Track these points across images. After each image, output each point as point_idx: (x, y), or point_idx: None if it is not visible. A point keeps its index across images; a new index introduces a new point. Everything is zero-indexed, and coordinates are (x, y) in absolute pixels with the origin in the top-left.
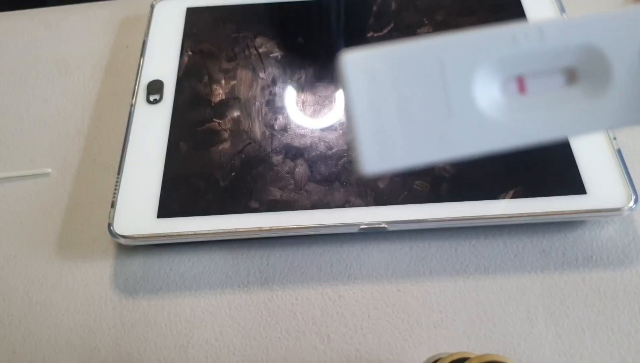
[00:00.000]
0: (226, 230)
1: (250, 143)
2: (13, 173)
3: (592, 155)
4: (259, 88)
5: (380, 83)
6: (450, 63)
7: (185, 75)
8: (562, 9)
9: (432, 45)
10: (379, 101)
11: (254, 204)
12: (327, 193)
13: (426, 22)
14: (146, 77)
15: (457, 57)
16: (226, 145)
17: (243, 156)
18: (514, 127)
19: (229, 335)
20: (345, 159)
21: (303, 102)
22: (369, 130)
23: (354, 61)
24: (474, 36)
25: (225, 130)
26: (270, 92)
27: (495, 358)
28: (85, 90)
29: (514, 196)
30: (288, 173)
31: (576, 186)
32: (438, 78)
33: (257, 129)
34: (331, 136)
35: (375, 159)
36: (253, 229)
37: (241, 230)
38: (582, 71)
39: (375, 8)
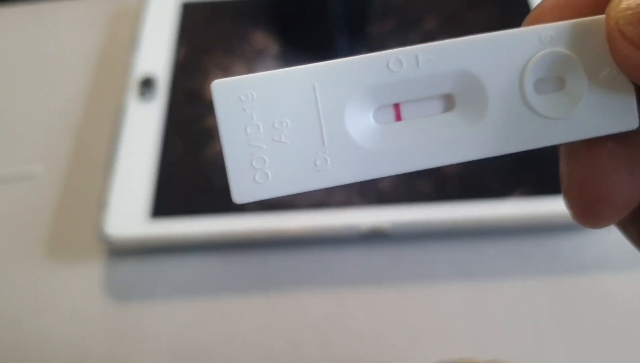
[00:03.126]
0: (222, 234)
1: None
2: (1, 171)
3: None
4: None
5: (252, 111)
6: (322, 91)
7: (179, 71)
8: None
9: (305, 71)
10: (250, 130)
11: (251, 205)
12: (327, 193)
13: (429, 16)
14: (139, 74)
15: (330, 84)
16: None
17: None
18: (389, 155)
19: (225, 343)
20: None
21: None
22: (239, 159)
23: (225, 87)
24: (347, 63)
25: None
26: None
27: None
28: (76, 86)
29: (521, 196)
30: None
31: None
32: (311, 106)
33: None
34: None
35: (246, 189)
36: (250, 233)
37: (238, 234)
38: (459, 97)
39: (376, 2)
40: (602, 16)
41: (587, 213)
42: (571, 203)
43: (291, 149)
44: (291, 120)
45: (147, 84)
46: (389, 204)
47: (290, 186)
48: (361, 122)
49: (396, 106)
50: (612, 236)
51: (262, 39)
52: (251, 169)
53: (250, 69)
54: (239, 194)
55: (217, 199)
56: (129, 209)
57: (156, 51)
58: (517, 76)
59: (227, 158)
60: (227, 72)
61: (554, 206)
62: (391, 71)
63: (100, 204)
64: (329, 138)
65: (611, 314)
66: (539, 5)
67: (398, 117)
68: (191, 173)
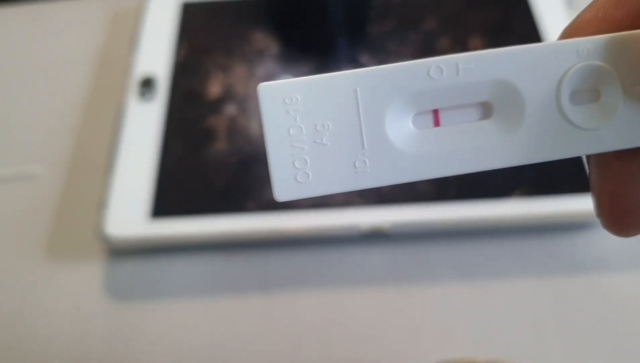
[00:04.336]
0: (222, 234)
1: (246, 141)
2: (1, 172)
3: None
4: (256, 85)
5: (296, 113)
6: (364, 95)
7: (179, 71)
8: (570, 2)
9: (348, 77)
10: (293, 131)
11: (251, 205)
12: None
13: (429, 16)
14: (139, 74)
15: (371, 90)
16: (222, 144)
17: (240, 154)
18: (426, 160)
19: (225, 343)
20: None
21: None
22: (282, 159)
23: (270, 90)
24: (388, 70)
25: (221, 128)
26: None
27: None
28: (77, 86)
29: (521, 196)
30: None
31: (585, 186)
32: (353, 110)
33: (255, 127)
34: None
35: (287, 187)
36: (250, 233)
37: (238, 234)
38: (497, 106)
39: (376, 2)
40: None
41: (618, 222)
42: (602, 213)
43: (332, 151)
44: (333, 123)
45: (147, 84)
46: (389, 204)
47: (329, 186)
48: (400, 127)
49: (435, 112)
50: (612, 237)
51: (262, 39)
52: (293, 169)
53: (251, 69)
54: (280, 193)
55: (218, 199)
56: (129, 209)
57: (156, 51)
58: (554, 87)
59: (270, 157)
60: (227, 72)
61: (554, 206)
62: (431, 78)
63: (100, 205)
64: (368, 141)
65: (611, 314)
66: (576, 19)
67: (436, 123)
68: (191, 173)
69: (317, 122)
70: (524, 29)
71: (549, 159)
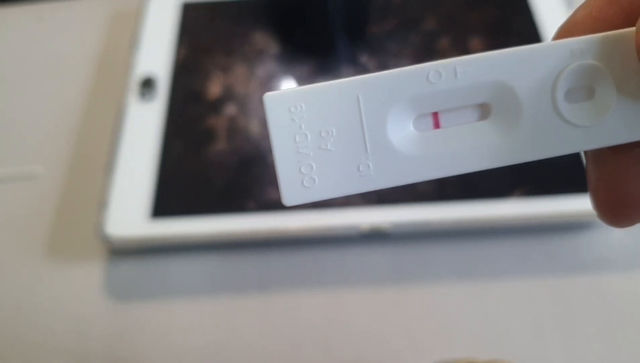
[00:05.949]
0: (222, 234)
1: (247, 141)
2: (1, 172)
3: None
4: (256, 85)
5: (301, 121)
6: (366, 101)
7: (179, 71)
8: (570, 1)
9: (350, 84)
10: (299, 138)
11: (251, 205)
12: None
13: (429, 16)
14: (139, 74)
15: (373, 95)
16: (222, 144)
17: (240, 154)
18: (427, 161)
19: (225, 343)
20: None
21: None
22: (289, 165)
23: (276, 99)
24: (389, 76)
25: (221, 128)
26: (268, 89)
27: None
28: (77, 86)
29: (521, 196)
30: None
31: (585, 186)
32: (355, 116)
33: (255, 127)
34: None
35: (295, 193)
36: (250, 233)
37: (238, 234)
38: (495, 107)
39: (376, 2)
40: (632, 29)
41: (614, 214)
42: (598, 205)
43: (336, 156)
44: (336, 129)
45: (147, 84)
46: (389, 204)
47: (335, 190)
48: (402, 130)
49: (435, 115)
50: (612, 237)
51: (262, 39)
52: (299, 174)
53: (251, 69)
54: (288, 198)
55: (218, 199)
56: (129, 209)
57: (156, 51)
58: (550, 86)
59: (277, 164)
60: (227, 72)
61: (554, 206)
62: (430, 83)
63: (100, 204)
64: (371, 145)
65: (611, 314)
66: (571, 18)
67: (436, 125)
68: (191, 173)
69: (322, 129)
70: (524, 29)
71: (546, 156)
